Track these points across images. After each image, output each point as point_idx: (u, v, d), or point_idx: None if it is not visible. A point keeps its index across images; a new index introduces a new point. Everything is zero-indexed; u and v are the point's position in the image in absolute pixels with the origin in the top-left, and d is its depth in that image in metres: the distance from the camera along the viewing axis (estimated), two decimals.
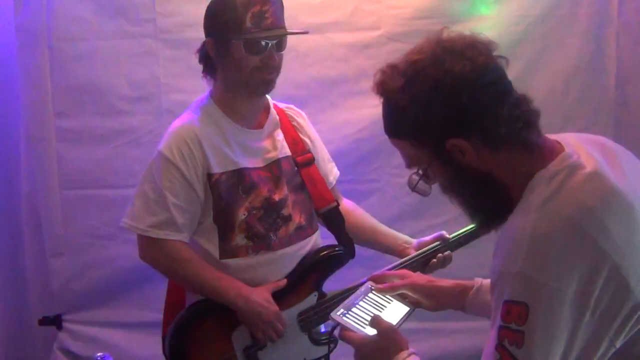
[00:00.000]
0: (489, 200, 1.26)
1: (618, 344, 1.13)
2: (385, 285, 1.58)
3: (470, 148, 1.19)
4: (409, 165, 1.30)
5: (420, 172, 1.29)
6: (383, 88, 1.25)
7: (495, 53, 1.21)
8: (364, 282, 1.86)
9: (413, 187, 1.32)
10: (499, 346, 1.13)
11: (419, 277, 1.64)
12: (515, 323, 1.11)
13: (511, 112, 1.17)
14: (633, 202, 1.15)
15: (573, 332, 1.10)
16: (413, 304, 1.59)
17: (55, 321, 3.06)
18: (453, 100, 1.16)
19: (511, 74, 1.25)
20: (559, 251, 1.10)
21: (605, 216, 1.12)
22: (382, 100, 1.27)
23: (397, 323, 1.51)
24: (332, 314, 1.49)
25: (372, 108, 2.92)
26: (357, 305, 1.53)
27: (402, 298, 1.62)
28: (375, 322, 1.42)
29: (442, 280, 1.63)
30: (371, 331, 1.43)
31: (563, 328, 1.10)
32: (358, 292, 1.59)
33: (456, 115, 1.17)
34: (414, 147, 1.25)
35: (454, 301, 1.59)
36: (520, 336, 1.11)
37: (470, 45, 1.20)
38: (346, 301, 1.54)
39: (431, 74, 1.18)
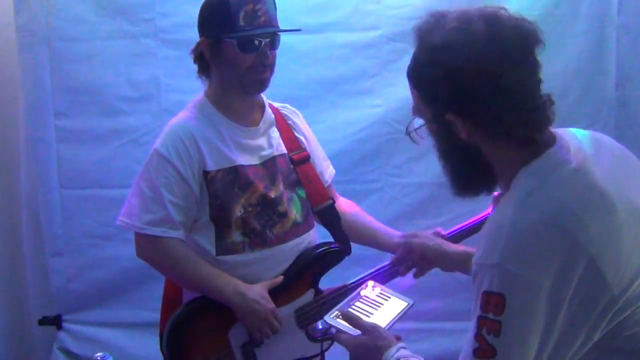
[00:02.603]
0: (470, 171, 1.29)
1: (596, 337, 1.14)
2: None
3: (465, 128, 1.22)
4: (414, 112, 1.32)
5: (422, 123, 1.31)
6: (420, 35, 1.25)
7: (538, 50, 1.20)
8: (362, 279, 1.88)
9: (409, 132, 1.34)
10: (478, 335, 1.15)
11: (429, 239, 1.77)
12: (493, 313, 1.14)
13: (518, 118, 1.17)
14: (615, 200, 1.16)
15: (549, 324, 1.12)
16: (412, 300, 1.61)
17: (55, 321, 3.06)
18: (468, 86, 1.17)
19: None
20: (536, 244, 1.12)
21: (584, 211, 1.14)
22: (415, 42, 1.27)
23: (392, 320, 1.53)
24: (326, 317, 1.52)
25: (372, 108, 2.95)
26: (353, 306, 1.56)
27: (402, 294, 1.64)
28: (355, 323, 1.46)
29: (451, 245, 1.77)
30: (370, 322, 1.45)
31: (539, 319, 1.12)
32: (355, 292, 1.63)
33: (465, 100, 1.19)
34: (421, 100, 1.27)
35: (459, 267, 1.69)
36: (497, 326, 1.13)
37: (518, 42, 1.17)
38: (341, 304, 1.57)
39: (463, 55, 1.17)
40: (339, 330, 1.49)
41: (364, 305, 1.58)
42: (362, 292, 1.63)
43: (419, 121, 1.31)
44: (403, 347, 1.37)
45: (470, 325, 1.18)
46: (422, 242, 1.84)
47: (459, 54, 1.17)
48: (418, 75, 1.26)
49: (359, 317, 1.49)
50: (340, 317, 1.51)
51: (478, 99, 1.17)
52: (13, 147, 3.02)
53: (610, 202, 1.16)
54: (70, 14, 2.88)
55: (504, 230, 1.15)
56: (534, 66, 1.20)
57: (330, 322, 1.50)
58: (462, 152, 1.26)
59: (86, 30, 2.89)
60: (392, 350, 1.36)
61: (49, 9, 2.87)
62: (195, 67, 1.96)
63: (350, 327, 1.48)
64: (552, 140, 1.24)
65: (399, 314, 1.57)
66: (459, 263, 1.72)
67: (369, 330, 1.43)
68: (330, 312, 1.53)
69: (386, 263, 1.95)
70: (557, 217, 1.13)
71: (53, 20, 2.88)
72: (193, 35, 1.93)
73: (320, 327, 2.04)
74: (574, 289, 1.11)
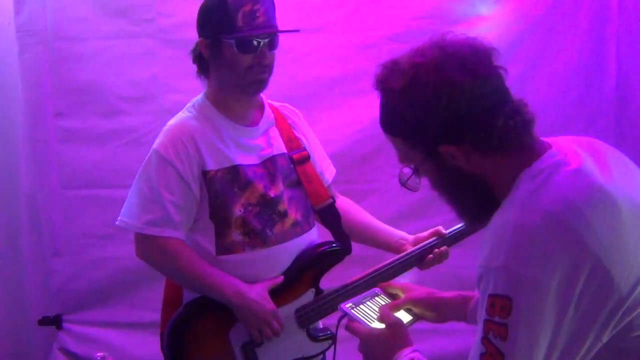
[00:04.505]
0: (474, 200, 1.28)
1: (605, 338, 1.13)
2: (389, 305, 1.59)
3: (461, 154, 1.22)
4: (401, 160, 1.32)
5: (412, 168, 1.31)
6: (383, 85, 1.27)
7: (496, 59, 1.22)
8: (361, 279, 1.88)
9: (403, 183, 1.34)
10: (485, 339, 1.14)
11: (419, 291, 1.65)
12: (499, 316, 1.12)
13: (505, 123, 1.19)
14: (617, 199, 1.16)
15: (557, 325, 1.11)
16: (416, 316, 1.61)
17: (55, 321, 3.06)
18: (449, 111, 1.18)
19: (511, 74, 1.26)
20: (541, 245, 1.11)
21: (588, 211, 1.13)
22: (380, 95, 1.28)
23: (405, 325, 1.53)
24: (342, 305, 1.53)
25: (372, 108, 2.89)
26: (365, 304, 1.57)
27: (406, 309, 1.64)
28: (384, 315, 1.46)
29: (442, 292, 1.65)
30: (378, 326, 1.46)
31: (547, 321, 1.10)
32: (366, 293, 1.64)
33: (451, 125, 1.19)
34: (406, 145, 1.27)
35: (455, 312, 1.61)
36: (504, 329, 1.12)
37: (472, 54, 1.21)
38: (354, 298, 1.59)
39: (431, 83, 1.18)
40: (351, 319, 1.50)
41: (375, 307, 1.59)
42: (372, 296, 1.64)
43: (407, 169, 1.32)
44: (417, 351, 1.36)
45: (477, 329, 1.17)
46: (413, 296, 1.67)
47: (431, 85, 1.18)
48: (395, 123, 1.26)
49: (387, 311, 1.50)
50: (354, 309, 1.53)
51: (464, 120, 1.18)
52: (13, 147, 3.02)
53: (612, 201, 1.15)
54: (70, 14, 2.89)
55: (508, 231, 1.14)
56: (499, 75, 1.22)
57: (345, 310, 1.52)
58: (461, 181, 1.26)
59: (86, 30, 2.90)
60: (407, 350, 1.36)
61: (49, 9, 2.88)
62: (195, 67, 1.97)
63: (364, 319, 1.49)
64: (547, 145, 1.24)
65: (407, 323, 1.57)
66: (456, 308, 1.62)
67: (392, 325, 1.43)
68: (345, 302, 1.55)
69: (388, 261, 1.95)
70: (561, 217, 1.12)
71: (53, 20, 2.89)
72: (193, 35, 1.93)
73: (321, 326, 2.05)
74: (581, 289, 1.10)
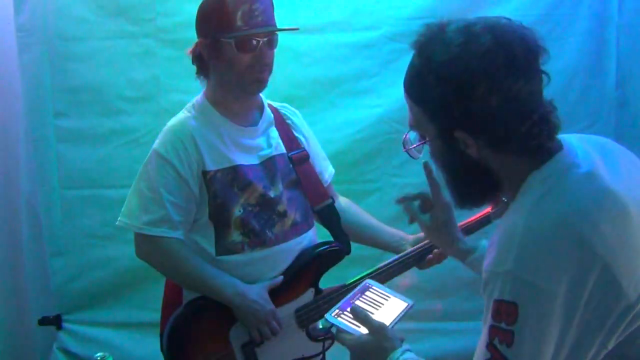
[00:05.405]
0: (473, 185, 1.27)
1: (610, 345, 1.12)
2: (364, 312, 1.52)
3: (474, 145, 1.19)
4: (411, 125, 1.28)
5: (420, 137, 1.28)
6: (422, 49, 1.20)
7: (543, 60, 1.17)
8: (361, 279, 1.88)
9: (407, 148, 1.32)
10: (490, 345, 1.13)
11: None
12: (505, 322, 1.11)
13: (529, 131, 1.15)
14: (627, 204, 1.14)
15: (563, 332, 1.10)
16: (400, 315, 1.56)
17: (55, 321, 3.06)
18: (479, 104, 1.14)
19: None
20: (550, 251, 1.10)
21: (597, 217, 1.11)
22: (414, 55, 1.22)
23: (393, 321, 1.49)
24: (327, 316, 1.47)
25: (372, 108, 2.95)
26: (353, 305, 1.52)
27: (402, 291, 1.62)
28: (365, 321, 1.40)
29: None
30: (365, 330, 1.42)
31: (553, 328, 1.09)
32: (355, 291, 1.58)
33: (475, 117, 1.15)
34: (422, 115, 1.23)
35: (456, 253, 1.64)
36: (510, 335, 1.11)
37: (521, 52, 1.14)
38: (341, 302, 1.53)
39: (472, 70, 1.13)
40: (339, 329, 1.45)
41: (365, 305, 1.55)
42: (362, 291, 1.61)
43: (414, 134, 1.29)
44: (408, 350, 1.33)
45: (481, 335, 1.16)
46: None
47: (471, 71, 1.13)
48: (424, 94, 1.20)
49: (367, 315, 1.44)
50: (341, 315, 1.48)
51: (491, 115, 1.14)
52: (13, 147, 3.02)
53: (623, 206, 1.14)
54: (70, 13, 2.88)
55: (516, 236, 1.12)
56: (540, 75, 1.17)
57: (331, 321, 1.46)
58: (466, 167, 1.23)
59: (86, 30, 2.90)
60: (398, 352, 1.32)
61: (49, 8, 2.87)
62: (195, 67, 1.97)
63: (352, 325, 1.44)
64: (559, 145, 1.21)
65: (400, 314, 1.54)
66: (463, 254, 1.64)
67: (376, 329, 1.38)
68: (331, 310, 1.50)
69: (387, 261, 1.95)
70: (571, 223, 1.10)
71: (53, 20, 2.88)
72: (193, 35, 1.93)
73: (320, 326, 2.04)
74: (588, 296, 1.09)
